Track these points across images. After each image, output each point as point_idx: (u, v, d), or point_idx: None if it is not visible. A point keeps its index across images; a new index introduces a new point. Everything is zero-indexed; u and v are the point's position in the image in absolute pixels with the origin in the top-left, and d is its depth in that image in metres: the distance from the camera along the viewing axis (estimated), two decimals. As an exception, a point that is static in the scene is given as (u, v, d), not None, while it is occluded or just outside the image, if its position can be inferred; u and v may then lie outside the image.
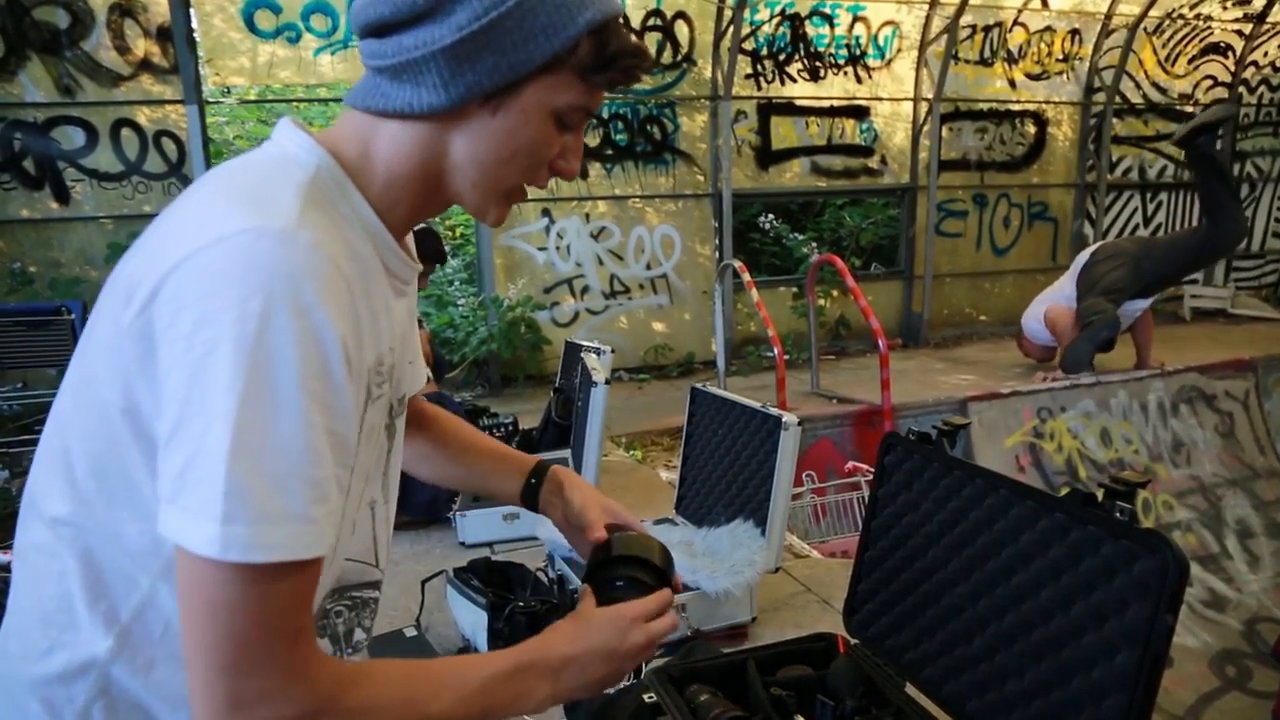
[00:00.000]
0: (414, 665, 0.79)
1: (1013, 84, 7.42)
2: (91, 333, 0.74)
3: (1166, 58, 7.93)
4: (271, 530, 0.64)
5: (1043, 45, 7.39)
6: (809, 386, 5.58)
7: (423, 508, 2.57)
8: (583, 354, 2.62)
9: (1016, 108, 7.50)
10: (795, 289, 6.73)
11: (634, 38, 0.81)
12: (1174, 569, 0.89)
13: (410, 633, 1.79)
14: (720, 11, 6.18)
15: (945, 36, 6.75)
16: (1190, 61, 8.04)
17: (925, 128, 7.05)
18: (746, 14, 6.16)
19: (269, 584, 0.65)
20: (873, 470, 1.43)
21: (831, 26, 6.67)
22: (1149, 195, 8.25)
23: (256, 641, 0.65)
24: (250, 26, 5.25)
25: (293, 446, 0.65)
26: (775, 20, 6.49)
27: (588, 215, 6.27)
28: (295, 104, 5.91)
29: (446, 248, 6.82)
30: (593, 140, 6.18)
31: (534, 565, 1.94)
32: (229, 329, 0.63)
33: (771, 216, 8.11)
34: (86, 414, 0.73)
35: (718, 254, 6.55)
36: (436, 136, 0.78)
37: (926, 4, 6.68)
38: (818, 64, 6.73)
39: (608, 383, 2.30)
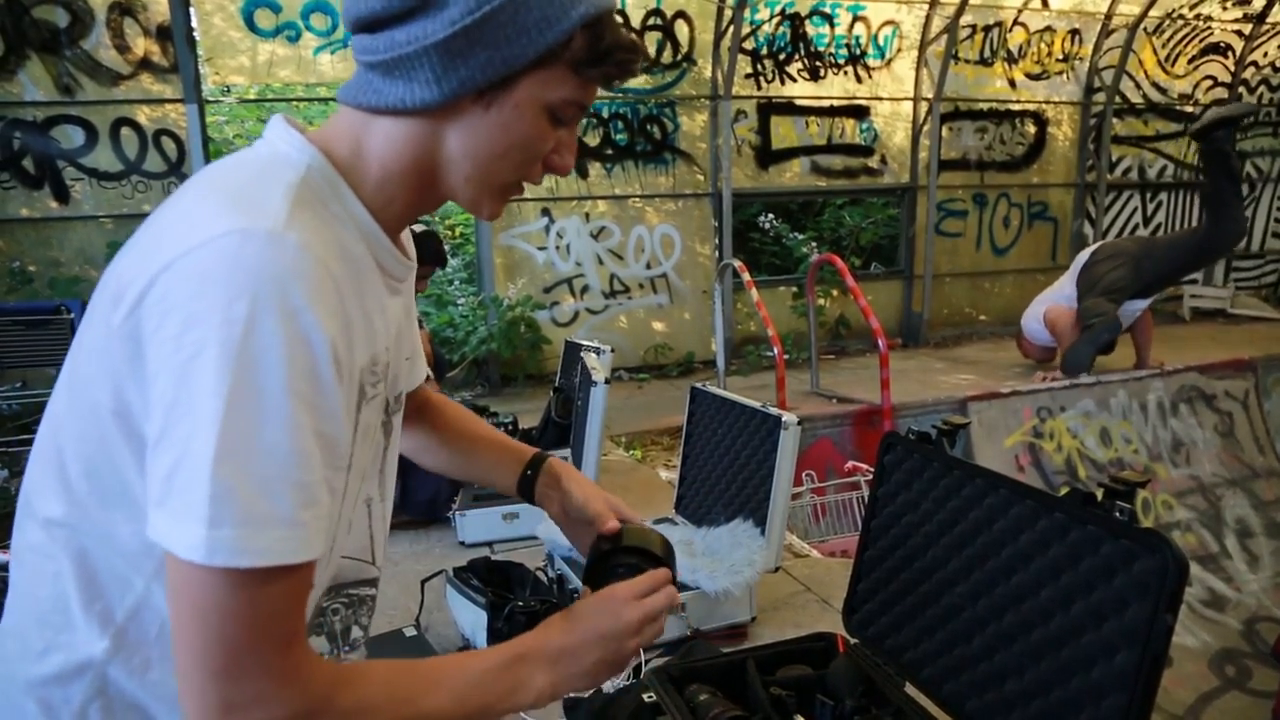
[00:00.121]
0: (407, 664, 0.78)
1: (1013, 84, 7.43)
2: (83, 333, 0.74)
3: (1166, 58, 7.93)
4: (258, 534, 0.63)
5: (1043, 45, 7.39)
6: (809, 386, 5.58)
7: (422, 507, 2.58)
8: (582, 353, 2.62)
9: (1016, 107, 7.50)
10: (795, 288, 6.73)
11: (627, 32, 0.80)
12: (1173, 569, 0.89)
13: (410, 632, 1.79)
14: (720, 11, 6.18)
15: (945, 36, 6.75)
16: (1190, 61, 8.04)
17: (925, 127, 7.05)
18: (746, 13, 6.16)
19: (258, 588, 0.64)
20: (872, 470, 1.43)
21: (831, 26, 6.67)
22: (1149, 195, 8.26)
23: (247, 646, 0.65)
24: (250, 25, 5.25)
25: (279, 450, 0.64)
26: (775, 20, 6.49)
27: (587, 215, 6.27)
28: (295, 103, 5.91)
29: (446, 247, 6.83)
30: (593, 140, 6.18)
31: (533, 565, 1.94)
32: (215, 332, 0.63)
33: (771, 216, 8.11)
34: (79, 415, 0.73)
35: (717, 253, 6.55)
36: (430, 132, 0.78)
37: (926, 4, 6.68)
38: (818, 64, 6.73)
39: (607, 382, 2.30)
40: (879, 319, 4.89)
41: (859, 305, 4.97)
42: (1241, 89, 8.30)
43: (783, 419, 1.84)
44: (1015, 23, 7.19)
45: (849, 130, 6.96)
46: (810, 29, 6.63)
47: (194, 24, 5.16)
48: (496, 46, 0.73)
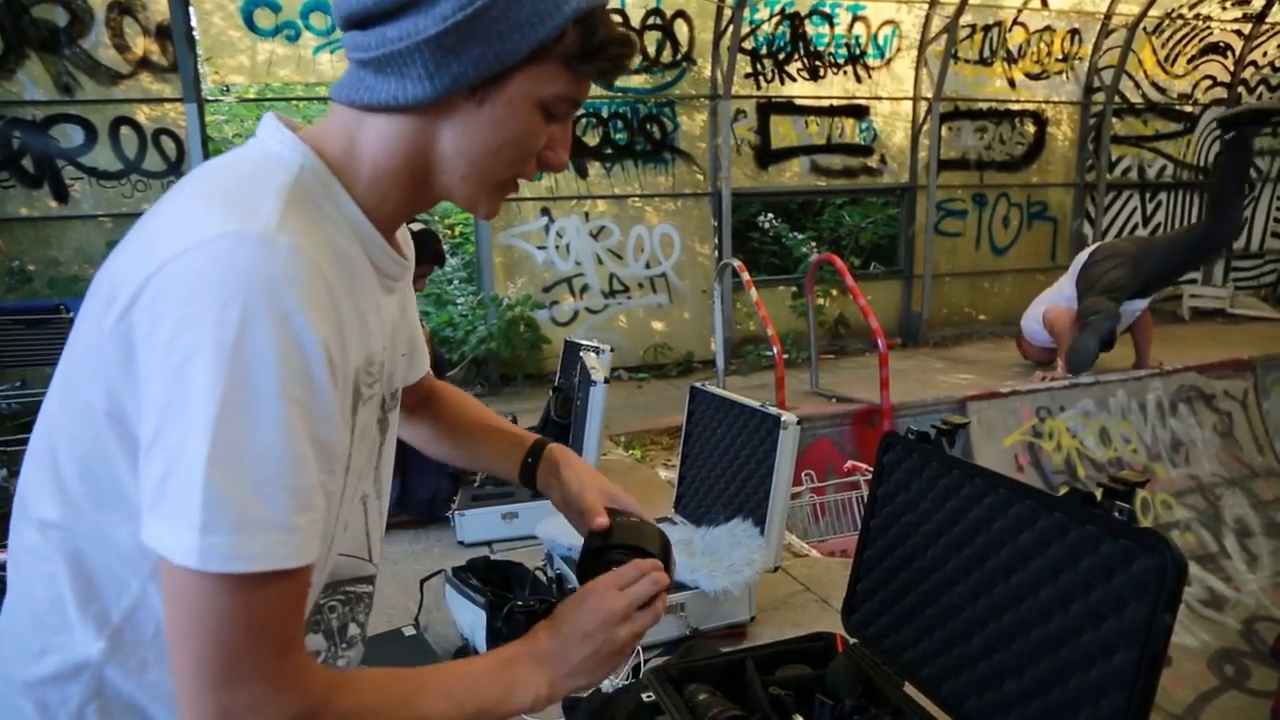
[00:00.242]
0: (403, 670, 0.78)
1: (1012, 83, 7.43)
2: (76, 334, 0.73)
3: (1166, 58, 7.94)
4: (252, 540, 0.63)
5: (1042, 45, 7.39)
6: (808, 386, 5.58)
7: (421, 507, 2.58)
8: (582, 353, 2.62)
9: (1016, 107, 7.50)
10: (794, 288, 6.72)
11: (621, 26, 0.80)
12: (1172, 568, 0.89)
13: (409, 632, 1.79)
14: (720, 10, 6.18)
15: (945, 36, 6.75)
16: (1190, 61, 8.04)
17: (925, 127, 7.05)
18: (746, 13, 6.16)
19: (253, 593, 0.64)
20: (871, 469, 1.43)
21: (831, 26, 6.67)
22: (1148, 195, 8.26)
23: (243, 651, 0.64)
24: (249, 25, 5.25)
25: (272, 454, 0.64)
26: (775, 19, 6.49)
27: (587, 214, 6.26)
28: (294, 102, 5.91)
29: (445, 247, 6.82)
30: (592, 139, 6.18)
31: (532, 564, 1.94)
32: (207, 336, 0.62)
33: (771, 216, 8.11)
34: (72, 416, 0.73)
35: (717, 253, 6.55)
36: (422, 129, 0.77)
37: (926, 3, 6.68)
38: (817, 63, 6.73)
39: (607, 382, 2.30)
40: (878, 319, 4.89)
41: (858, 305, 4.97)
42: (1241, 89, 8.30)
43: (782, 418, 1.84)
44: (1015, 22, 7.19)
45: (848, 130, 6.96)
46: (810, 29, 6.63)
47: (193, 23, 5.15)
48: (489, 42, 0.73)
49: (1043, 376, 5.28)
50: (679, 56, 6.29)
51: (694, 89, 6.40)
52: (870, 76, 6.91)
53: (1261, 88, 8.45)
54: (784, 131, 6.75)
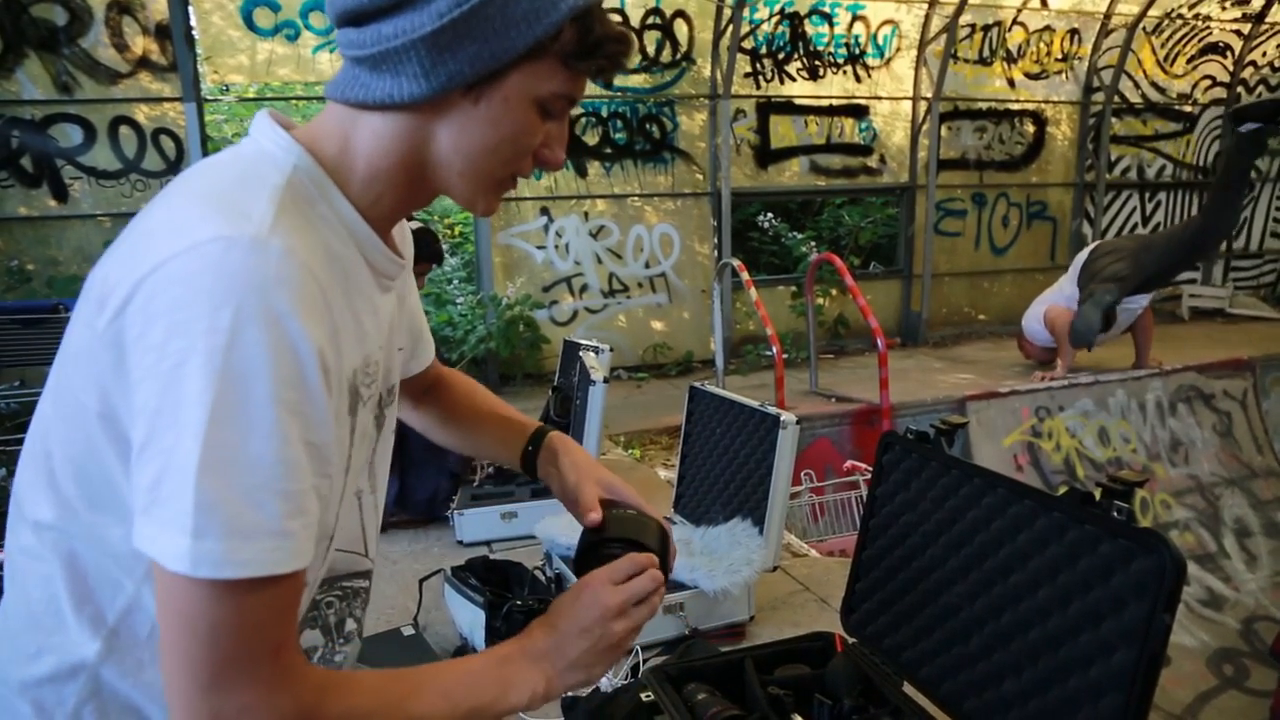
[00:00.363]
0: (396, 670, 0.78)
1: (1012, 83, 7.43)
2: (69, 336, 0.73)
3: (1165, 57, 7.94)
4: (244, 545, 0.63)
5: (1042, 45, 7.39)
6: (808, 385, 5.58)
7: (421, 506, 2.57)
8: (581, 352, 2.62)
9: (1015, 107, 7.50)
10: (794, 288, 6.73)
11: (620, 25, 0.79)
12: (1171, 568, 0.89)
13: (408, 631, 1.79)
14: (719, 10, 6.18)
15: (944, 35, 6.75)
16: (1189, 61, 8.04)
17: (924, 127, 7.05)
18: (746, 13, 6.16)
19: (245, 599, 0.64)
20: (871, 469, 1.43)
21: (831, 25, 6.67)
22: (1148, 195, 8.26)
23: (235, 656, 0.64)
24: (249, 24, 5.25)
25: (265, 459, 0.64)
26: (774, 19, 6.49)
27: (586, 214, 6.26)
28: (294, 102, 5.90)
29: (445, 246, 6.81)
30: (591, 139, 6.18)
31: (532, 564, 1.94)
32: (199, 341, 0.62)
33: (770, 215, 8.10)
34: (65, 418, 0.72)
35: (716, 253, 6.55)
36: (418, 128, 0.77)
37: (926, 3, 6.68)
38: (817, 63, 6.73)
39: (606, 381, 2.30)
40: (878, 318, 4.89)
41: (858, 304, 4.97)
42: (1240, 89, 8.30)
43: (781, 418, 1.84)
44: (1014, 22, 7.19)
45: (848, 129, 6.96)
46: (809, 28, 6.63)
47: (193, 22, 5.15)
48: (485, 39, 0.72)
49: (1042, 376, 5.28)
50: (678, 56, 6.29)
51: (693, 89, 6.40)
52: (870, 76, 6.91)
53: (1261, 87, 8.45)
54: (783, 131, 6.75)
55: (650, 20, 6.14)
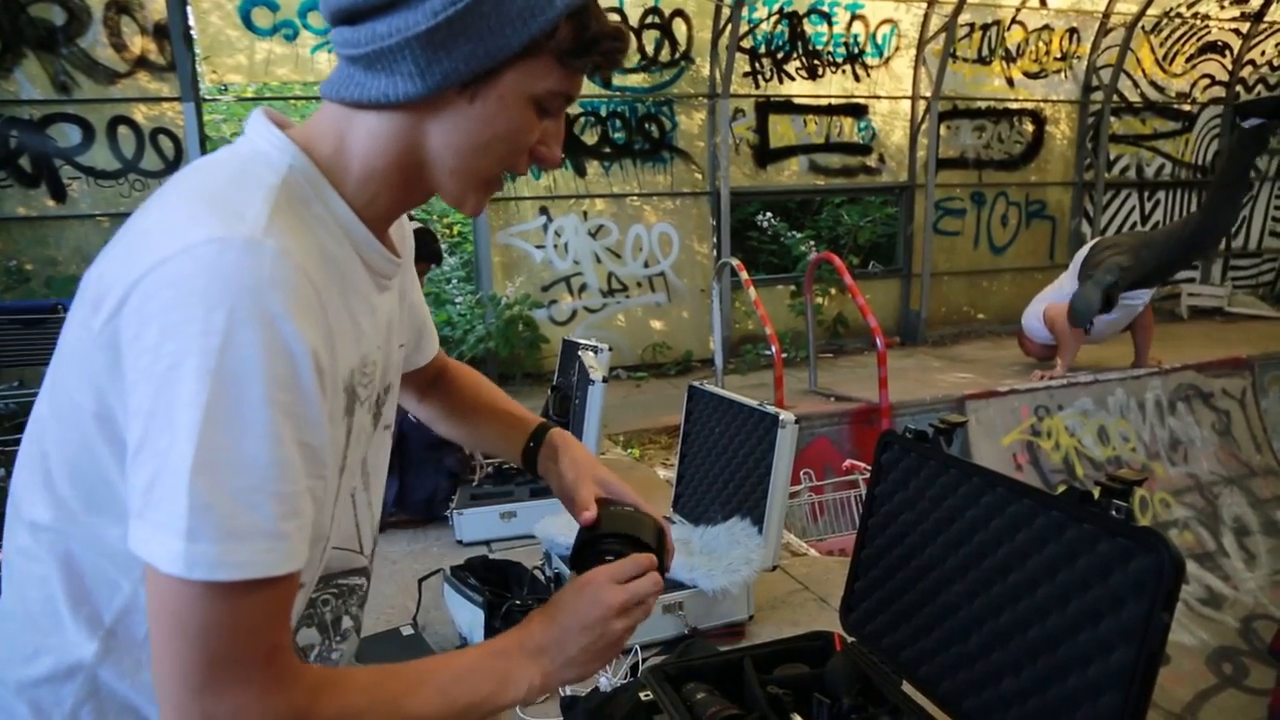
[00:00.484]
0: (390, 666, 0.77)
1: (1011, 82, 7.43)
2: (65, 337, 0.73)
3: (1164, 56, 7.94)
4: (238, 547, 0.63)
5: (1041, 44, 7.39)
6: (807, 385, 5.58)
7: (420, 506, 2.57)
8: (580, 352, 2.62)
9: (1014, 106, 7.50)
10: (793, 287, 6.73)
11: (618, 24, 0.79)
12: (1169, 567, 0.89)
13: (407, 631, 1.79)
14: (718, 9, 6.18)
15: (943, 35, 6.76)
16: (1188, 60, 8.04)
17: (923, 126, 7.05)
18: (745, 12, 6.15)
19: (239, 601, 0.64)
20: (870, 468, 1.43)
21: (830, 25, 6.67)
22: (1146, 194, 8.26)
23: (228, 659, 0.64)
24: (247, 24, 5.25)
25: (259, 461, 0.63)
26: (773, 18, 6.49)
27: (585, 213, 6.26)
28: (292, 101, 5.91)
29: (444, 246, 6.81)
30: (590, 138, 6.18)
31: (531, 563, 1.94)
32: (193, 342, 0.62)
33: (769, 215, 8.11)
34: (61, 418, 0.72)
35: (715, 252, 6.55)
36: (413, 126, 0.77)
37: (925, 2, 6.68)
38: (816, 62, 6.73)
39: (605, 381, 2.30)
40: (877, 318, 4.89)
41: (857, 304, 4.97)
42: (1239, 88, 8.30)
43: (780, 417, 1.84)
44: (1013, 21, 7.19)
45: (847, 129, 6.97)
46: (808, 27, 6.63)
47: (191, 22, 5.15)
48: (480, 37, 0.72)
49: (1041, 375, 5.28)
50: (677, 55, 6.29)
51: (692, 88, 6.40)
52: (869, 75, 6.91)
53: (1260, 86, 8.45)
54: (782, 130, 6.75)
55: (649, 19, 6.14)
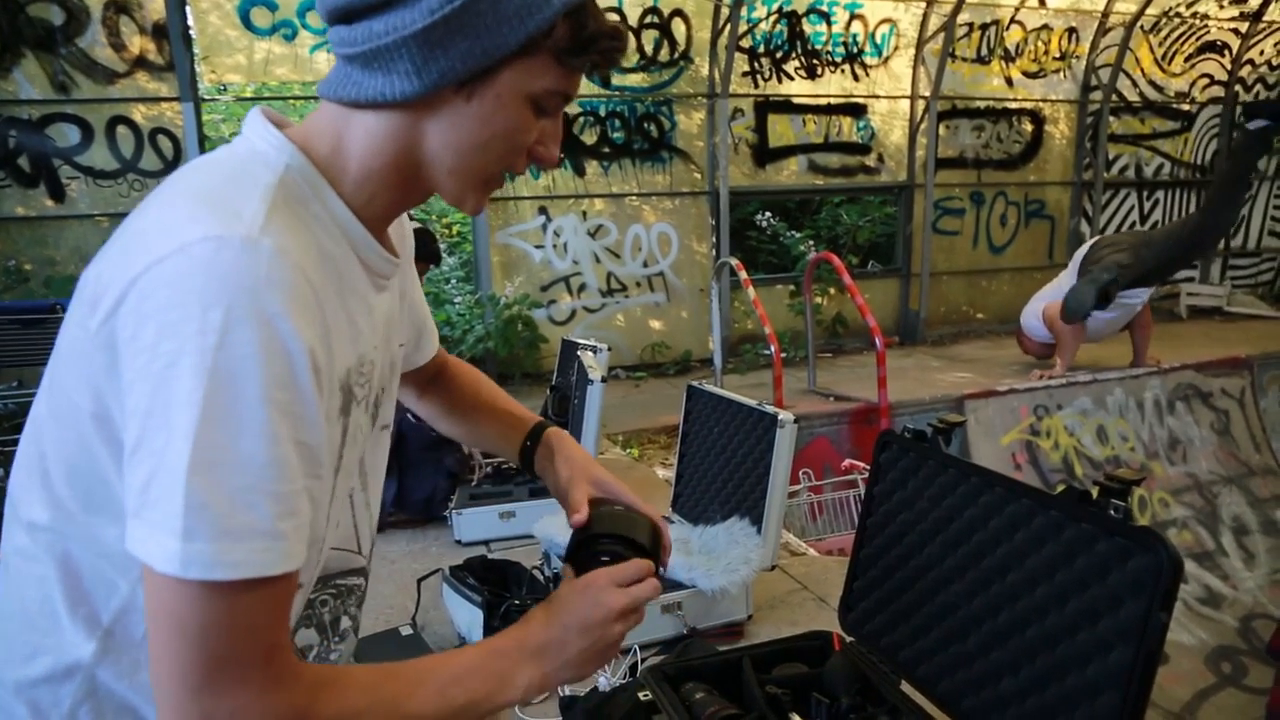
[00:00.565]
0: (389, 666, 0.77)
1: (1010, 82, 7.43)
2: (62, 337, 0.73)
3: (1163, 56, 7.94)
4: (235, 546, 0.62)
5: (1040, 43, 7.39)
6: (806, 384, 5.58)
7: (419, 506, 2.57)
8: (579, 352, 2.62)
9: (1013, 106, 7.50)
10: (792, 287, 6.73)
11: (617, 23, 0.79)
12: (1167, 566, 0.89)
13: (406, 631, 1.79)
14: (717, 9, 6.17)
15: (942, 34, 6.76)
16: (1187, 60, 8.04)
17: (922, 125, 7.05)
18: (744, 11, 6.15)
19: (236, 601, 0.63)
20: (869, 468, 1.43)
21: (829, 24, 6.67)
22: (1145, 193, 8.27)
23: (227, 659, 0.64)
24: (246, 23, 5.24)
25: (256, 460, 0.63)
26: (772, 18, 6.48)
27: (585, 213, 6.26)
28: (291, 101, 5.91)
29: (443, 246, 6.80)
30: (590, 138, 6.17)
31: (530, 563, 1.94)
32: (190, 341, 0.62)
33: (769, 214, 8.10)
34: (59, 419, 0.72)
35: (715, 252, 6.55)
36: (411, 125, 0.76)
37: (924, 2, 6.68)
38: (815, 62, 6.73)
39: (604, 380, 2.30)
40: (876, 317, 4.89)
41: (856, 303, 4.97)
42: (1238, 87, 8.31)
43: (779, 417, 1.84)
44: (1012, 21, 7.19)
45: (846, 128, 6.96)
46: (807, 27, 6.63)
47: (190, 22, 5.14)
48: (477, 36, 0.72)
49: (1040, 375, 5.28)
50: (676, 55, 6.28)
51: (691, 88, 6.39)
52: (868, 75, 6.91)
53: (1259, 86, 8.46)
54: (781, 130, 6.75)
55: (648, 19, 6.14)
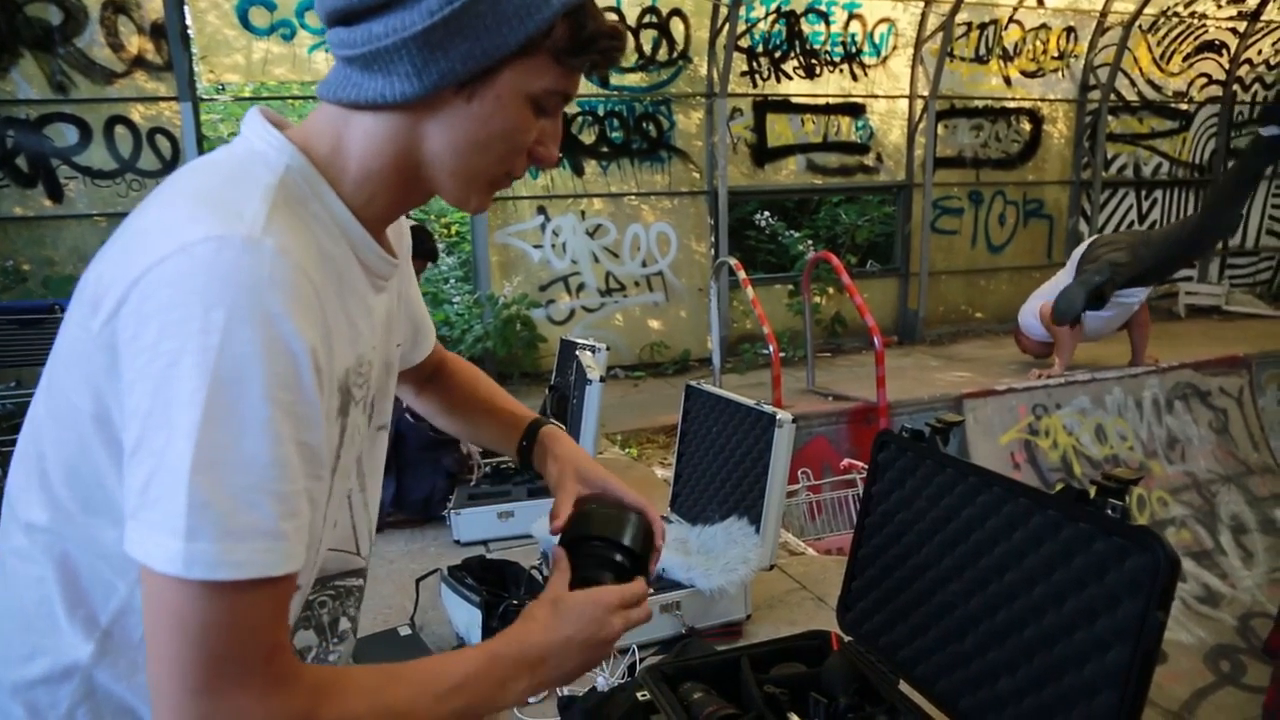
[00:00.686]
0: (390, 669, 0.77)
1: (1008, 81, 7.43)
2: (62, 337, 0.73)
3: (1161, 55, 7.94)
4: (237, 546, 0.62)
5: (1038, 43, 7.40)
6: (805, 384, 5.58)
7: (417, 506, 2.57)
8: (578, 351, 2.62)
9: (1012, 105, 7.50)
10: (791, 286, 6.73)
11: (616, 23, 0.79)
12: (1165, 566, 0.89)
13: (404, 631, 1.79)
14: (716, 8, 6.17)
15: (941, 34, 6.76)
16: (1185, 59, 8.05)
17: (921, 125, 7.06)
18: (742, 11, 6.15)
19: (237, 601, 0.63)
20: (867, 467, 1.43)
21: (827, 24, 6.67)
22: (1144, 193, 8.27)
23: (227, 660, 0.63)
24: (245, 23, 5.24)
25: (258, 460, 0.63)
26: (771, 17, 6.48)
27: (583, 212, 6.26)
28: (290, 101, 5.90)
29: (441, 246, 6.80)
30: (588, 137, 6.17)
31: (528, 563, 1.94)
32: (191, 341, 0.61)
33: (767, 214, 8.10)
34: (58, 419, 0.72)
35: (713, 251, 6.55)
36: (411, 126, 0.77)
37: (922, 1, 6.68)
38: (813, 61, 6.73)
39: (603, 380, 2.30)
40: (875, 317, 4.89)
41: (855, 303, 4.97)
42: (1236, 87, 8.31)
43: (777, 417, 1.84)
44: (1011, 20, 7.19)
45: (845, 128, 6.96)
46: (806, 27, 6.63)
47: (188, 21, 5.14)
48: (476, 37, 0.72)
49: (1038, 374, 5.28)
50: (675, 55, 6.28)
51: (690, 87, 6.39)
52: (866, 74, 6.91)
53: (1256, 85, 8.46)
54: (780, 129, 6.75)
55: (647, 19, 6.14)
